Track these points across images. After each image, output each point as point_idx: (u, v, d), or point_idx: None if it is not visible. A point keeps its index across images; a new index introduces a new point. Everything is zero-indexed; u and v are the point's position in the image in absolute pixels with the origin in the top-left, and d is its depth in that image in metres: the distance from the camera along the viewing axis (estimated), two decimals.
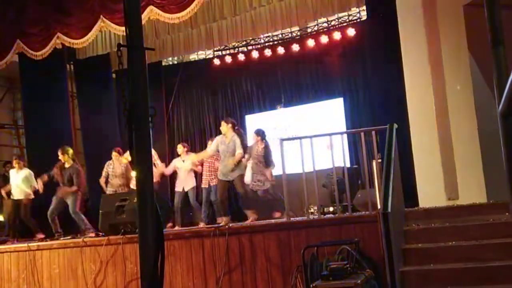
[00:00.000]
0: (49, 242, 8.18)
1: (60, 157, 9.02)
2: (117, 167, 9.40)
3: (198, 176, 9.93)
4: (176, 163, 9.75)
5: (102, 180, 9.46)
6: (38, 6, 9.99)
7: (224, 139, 8.27)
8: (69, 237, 8.50)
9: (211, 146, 8.63)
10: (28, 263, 7.93)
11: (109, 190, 9.33)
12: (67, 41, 9.81)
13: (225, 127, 8.28)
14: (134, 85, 2.57)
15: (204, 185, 9.63)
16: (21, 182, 9.50)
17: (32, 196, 9.51)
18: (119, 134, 11.14)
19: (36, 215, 9.47)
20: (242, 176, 8.28)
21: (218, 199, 8.52)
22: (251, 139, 8.95)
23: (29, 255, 7.95)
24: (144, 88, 2.60)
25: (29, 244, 8.10)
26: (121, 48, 2.70)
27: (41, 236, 9.13)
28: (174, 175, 10.12)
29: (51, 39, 9.84)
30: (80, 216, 8.82)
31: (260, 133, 8.89)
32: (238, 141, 8.15)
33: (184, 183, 9.57)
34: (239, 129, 8.64)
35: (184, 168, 9.59)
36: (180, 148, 9.74)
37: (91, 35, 9.59)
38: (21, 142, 13.60)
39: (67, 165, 9.01)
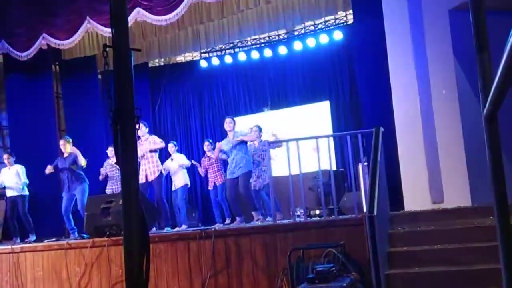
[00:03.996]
0: (33, 244, 8.11)
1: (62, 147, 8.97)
2: None
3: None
4: (167, 163, 9.81)
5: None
6: (24, 6, 9.92)
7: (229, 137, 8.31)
8: (53, 239, 8.43)
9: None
10: (12, 265, 7.84)
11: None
12: (53, 42, 9.75)
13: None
14: (120, 86, 2.56)
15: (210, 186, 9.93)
16: (13, 178, 9.29)
17: (26, 193, 9.33)
18: (104, 135, 11.08)
19: (31, 214, 9.32)
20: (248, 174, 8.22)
21: (228, 199, 8.44)
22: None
23: (13, 257, 7.86)
24: (130, 89, 2.58)
25: (13, 246, 8.02)
26: (107, 49, 2.69)
27: (32, 239, 9.00)
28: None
29: (36, 40, 9.78)
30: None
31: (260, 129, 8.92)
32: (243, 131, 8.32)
33: (175, 182, 9.65)
34: None
35: (172, 167, 9.64)
36: (172, 148, 9.81)
37: (77, 36, 9.55)
38: (5, 143, 13.46)
39: (65, 155, 8.96)
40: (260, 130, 9.00)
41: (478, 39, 1.83)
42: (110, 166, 9.66)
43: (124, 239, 2.56)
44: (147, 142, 8.60)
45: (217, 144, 8.64)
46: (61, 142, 9.09)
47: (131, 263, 2.52)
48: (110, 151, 9.56)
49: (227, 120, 8.34)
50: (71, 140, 9.10)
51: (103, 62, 2.78)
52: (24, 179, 9.31)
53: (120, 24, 2.61)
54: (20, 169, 9.36)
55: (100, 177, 9.81)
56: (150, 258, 2.63)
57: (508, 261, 1.78)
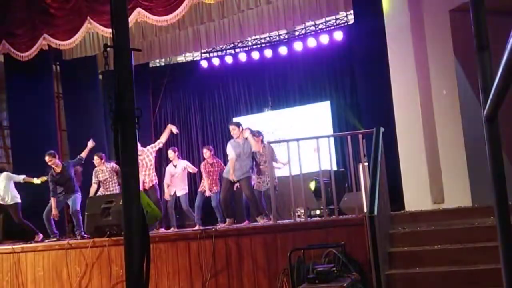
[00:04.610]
0: (33, 244, 8.11)
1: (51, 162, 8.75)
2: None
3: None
4: (169, 169, 9.68)
5: (93, 188, 9.24)
6: (24, 7, 9.93)
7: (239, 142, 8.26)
8: (54, 239, 8.43)
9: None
10: (12, 265, 7.84)
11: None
12: (54, 43, 9.75)
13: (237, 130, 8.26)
14: (120, 86, 2.56)
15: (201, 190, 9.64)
16: (2, 187, 9.14)
17: (18, 200, 9.15)
18: (105, 135, 11.08)
19: (29, 217, 9.24)
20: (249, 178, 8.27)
21: (222, 200, 8.39)
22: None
23: (13, 257, 7.86)
24: (130, 89, 2.58)
25: (13, 246, 8.02)
26: (107, 49, 2.69)
27: (40, 237, 8.94)
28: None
29: (37, 40, 9.78)
30: (79, 217, 8.65)
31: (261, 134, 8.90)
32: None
33: (176, 188, 9.51)
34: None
35: (176, 173, 9.54)
36: (171, 154, 9.66)
37: (78, 37, 9.55)
38: (6, 143, 13.47)
39: (58, 170, 8.81)
40: (254, 133, 8.82)
41: (478, 39, 1.83)
42: (101, 172, 9.37)
43: (125, 239, 2.56)
44: (148, 151, 8.67)
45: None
46: (48, 158, 8.75)
47: (132, 263, 2.52)
48: (96, 159, 9.33)
49: (230, 128, 8.41)
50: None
51: (103, 62, 2.78)
52: (17, 179, 9.20)
53: (120, 24, 2.61)
54: (6, 176, 9.19)
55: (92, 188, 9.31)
56: (150, 258, 2.63)
57: (508, 261, 1.78)
